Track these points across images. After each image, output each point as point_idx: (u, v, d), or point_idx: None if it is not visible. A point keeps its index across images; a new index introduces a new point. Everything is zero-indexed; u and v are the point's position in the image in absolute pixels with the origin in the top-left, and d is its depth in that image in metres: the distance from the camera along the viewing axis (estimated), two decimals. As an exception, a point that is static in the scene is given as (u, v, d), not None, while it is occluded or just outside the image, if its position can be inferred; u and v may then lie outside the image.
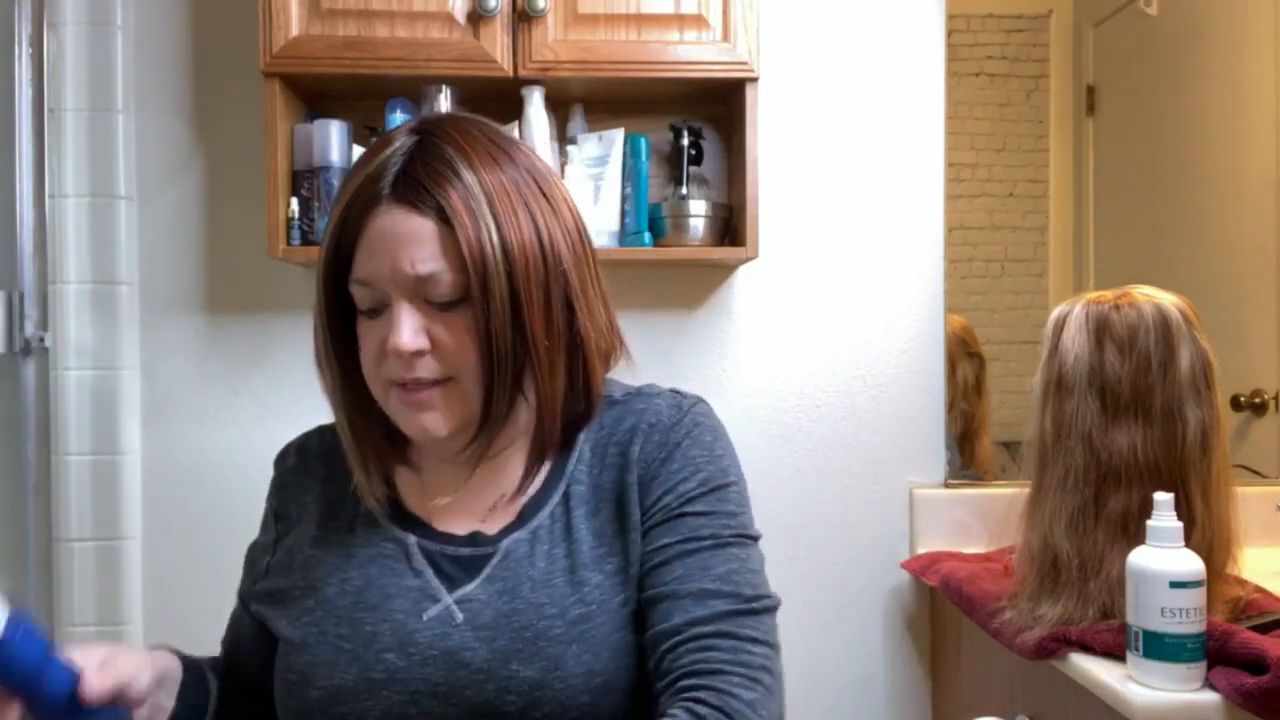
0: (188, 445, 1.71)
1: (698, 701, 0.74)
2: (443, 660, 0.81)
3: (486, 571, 0.84)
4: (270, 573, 0.92)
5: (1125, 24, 1.94)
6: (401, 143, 0.83)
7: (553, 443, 0.88)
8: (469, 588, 0.84)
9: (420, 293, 0.80)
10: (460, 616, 0.82)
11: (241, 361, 1.72)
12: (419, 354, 0.81)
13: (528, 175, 0.84)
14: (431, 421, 0.83)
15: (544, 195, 0.85)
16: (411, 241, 0.79)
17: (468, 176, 0.80)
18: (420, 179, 0.80)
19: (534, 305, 0.81)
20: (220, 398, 1.72)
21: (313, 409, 0.95)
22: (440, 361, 0.82)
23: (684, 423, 0.88)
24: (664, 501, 0.85)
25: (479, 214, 0.80)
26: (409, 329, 0.80)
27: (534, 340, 0.82)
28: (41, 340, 1.63)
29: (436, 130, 0.84)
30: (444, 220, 0.79)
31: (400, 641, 0.82)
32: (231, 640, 0.97)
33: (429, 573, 0.85)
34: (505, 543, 0.86)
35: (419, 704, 0.80)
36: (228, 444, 1.71)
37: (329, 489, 0.92)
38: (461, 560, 0.86)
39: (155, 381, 1.71)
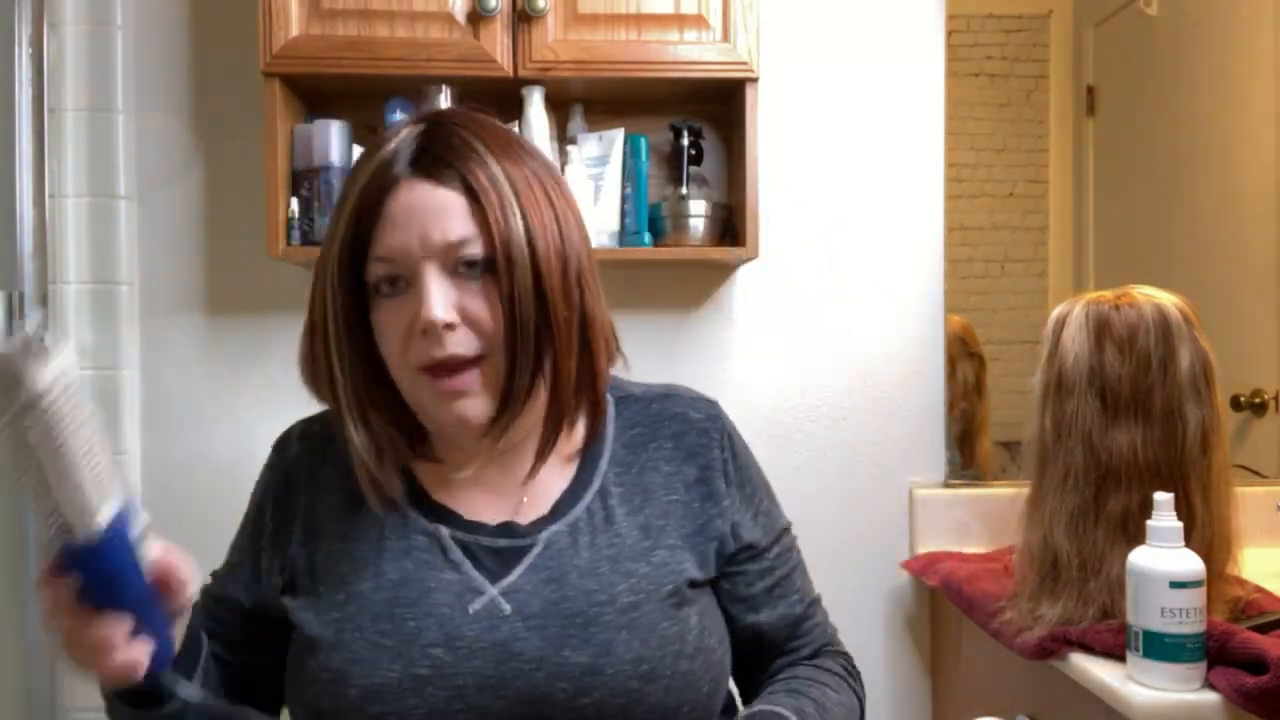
0: (188, 445, 1.71)
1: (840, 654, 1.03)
2: (492, 652, 0.80)
3: (528, 561, 0.85)
4: (284, 566, 0.89)
5: (1125, 24, 1.93)
6: (409, 130, 0.84)
7: (569, 423, 0.88)
8: (511, 578, 0.84)
9: (448, 263, 0.80)
10: (508, 608, 0.82)
11: (241, 361, 1.72)
12: (450, 327, 0.79)
13: (539, 160, 0.87)
14: (471, 408, 0.82)
15: (554, 178, 0.87)
16: (440, 211, 0.80)
17: (485, 154, 0.82)
18: (440, 155, 0.82)
19: (554, 275, 0.82)
20: (220, 398, 1.71)
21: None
22: (471, 335, 0.81)
23: (736, 438, 0.97)
24: (757, 526, 0.95)
25: (500, 186, 0.81)
26: (439, 300, 0.79)
27: (554, 308, 0.82)
28: (41, 340, 1.62)
29: (444, 117, 0.86)
30: (469, 192, 0.80)
31: (447, 636, 0.81)
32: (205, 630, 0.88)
33: (467, 565, 0.85)
34: (545, 534, 0.86)
35: (465, 698, 0.80)
36: (228, 444, 1.71)
37: (349, 480, 0.88)
38: (499, 552, 0.85)
39: (155, 381, 1.71)
